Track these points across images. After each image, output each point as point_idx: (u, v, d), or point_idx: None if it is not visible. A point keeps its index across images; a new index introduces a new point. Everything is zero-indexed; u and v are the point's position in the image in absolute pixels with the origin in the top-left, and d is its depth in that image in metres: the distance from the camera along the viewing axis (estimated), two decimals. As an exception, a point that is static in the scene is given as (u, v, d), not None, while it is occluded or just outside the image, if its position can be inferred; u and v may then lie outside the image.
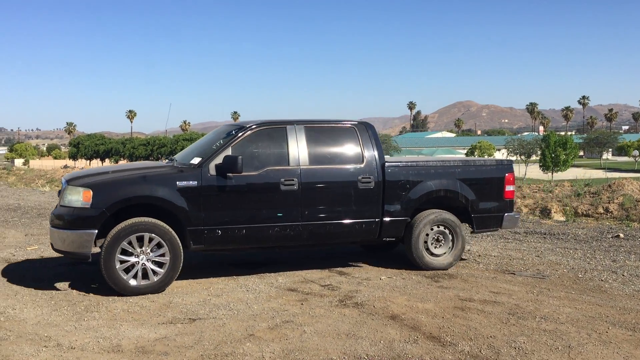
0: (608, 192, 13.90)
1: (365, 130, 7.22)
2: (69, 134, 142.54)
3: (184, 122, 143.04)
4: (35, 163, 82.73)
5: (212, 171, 6.43)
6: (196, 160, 6.56)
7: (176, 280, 6.81)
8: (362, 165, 7.02)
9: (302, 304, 5.90)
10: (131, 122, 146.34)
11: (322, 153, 6.98)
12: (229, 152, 6.54)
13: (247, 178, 6.54)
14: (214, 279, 6.94)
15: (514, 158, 68.30)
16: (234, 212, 6.52)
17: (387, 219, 7.12)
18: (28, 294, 6.23)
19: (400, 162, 7.37)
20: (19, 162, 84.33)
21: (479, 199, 7.51)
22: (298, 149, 6.82)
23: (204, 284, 6.68)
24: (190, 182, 6.34)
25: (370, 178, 7.00)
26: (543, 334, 4.99)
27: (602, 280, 7.02)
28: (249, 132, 6.76)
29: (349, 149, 7.10)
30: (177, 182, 6.30)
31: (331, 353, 4.55)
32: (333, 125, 7.26)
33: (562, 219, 12.64)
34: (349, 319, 5.40)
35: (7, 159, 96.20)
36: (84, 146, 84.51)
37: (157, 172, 6.61)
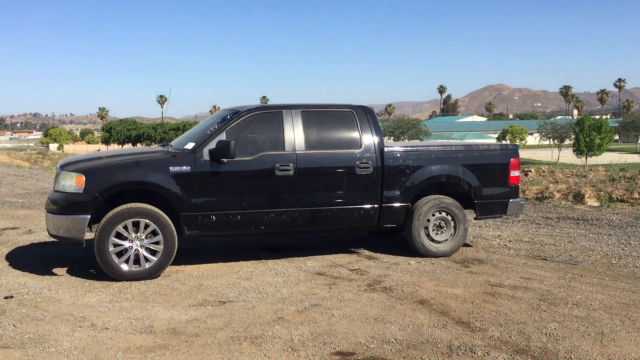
0: (644, 177, 13.58)
1: (363, 114, 7.08)
2: (101, 119, 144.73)
3: (214, 107, 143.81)
4: (69, 148, 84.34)
5: (206, 156, 6.38)
6: (190, 146, 6.51)
7: (206, 263, 6.91)
8: (360, 150, 6.91)
9: (330, 288, 5.92)
10: (162, 107, 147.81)
11: (318, 138, 6.89)
12: (222, 137, 6.47)
13: (242, 163, 6.48)
14: (244, 262, 7.00)
15: (547, 142, 67.13)
16: (228, 198, 6.47)
17: (386, 204, 7.02)
18: (63, 276, 6.38)
19: (400, 147, 7.24)
20: (53, 146, 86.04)
21: (482, 184, 7.35)
22: (294, 134, 6.72)
23: (234, 267, 6.75)
24: (184, 167, 6.30)
25: (368, 163, 6.89)
26: (575, 321, 4.93)
27: (636, 267, 6.88)
28: (243, 117, 6.68)
29: (347, 133, 6.98)
30: (170, 168, 6.26)
31: (359, 337, 4.57)
32: (330, 109, 7.15)
33: (596, 204, 12.40)
34: (377, 303, 5.41)
35: (42, 143, 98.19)
36: (116, 131, 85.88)
37: (150, 158, 6.54)
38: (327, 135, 6.96)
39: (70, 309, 5.26)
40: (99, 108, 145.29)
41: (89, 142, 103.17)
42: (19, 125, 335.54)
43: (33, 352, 4.26)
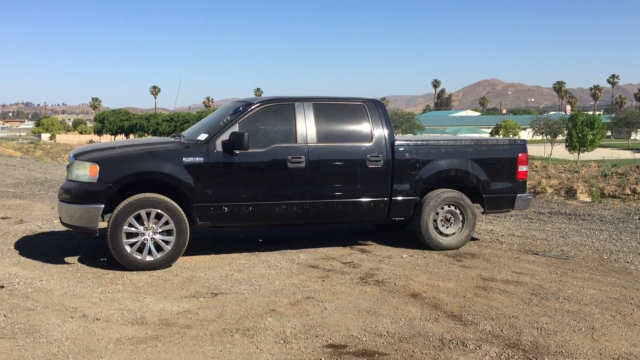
0: (636, 173, 13.66)
1: (375, 108, 7.13)
2: (94, 109, 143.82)
3: (207, 98, 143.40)
4: (62, 138, 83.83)
5: (219, 147, 6.40)
6: (203, 137, 6.53)
7: (198, 255, 6.89)
8: (371, 144, 6.94)
9: (323, 280, 5.92)
10: (155, 98, 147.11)
11: (330, 131, 6.91)
12: (235, 128, 6.49)
13: (254, 155, 6.50)
14: (236, 254, 6.99)
15: (539, 138, 67.29)
16: (241, 189, 6.49)
17: (396, 198, 7.06)
18: (54, 266, 6.35)
19: (410, 140, 7.28)
20: (45, 136, 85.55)
21: (490, 179, 7.41)
22: (306, 126, 6.75)
23: (226, 259, 6.74)
24: (197, 158, 6.33)
25: (379, 157, 6.93)
26: (566, 315, 4.95)
27: (627, 262, 6.92)
28: (256, 109, 6.69)
29: (358, 126, 7.02)
30: (184, 158, 6.29)
31: (352, 329, 4.57)
32: (342, 102, 7.18)
33: (588, 199, 12.46)
34: (369, 296, 5.41)
35: (34, 133, 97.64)
36: (109, 121, 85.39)
37: (164, 148, 6.57)
38: (338, 128, 6.98)
39: (61, 299, 5.23)
40: (92, 98, 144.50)
41: (81, 133, 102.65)
42: (10, 114, 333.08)
43: (24, 343, 4.24)
